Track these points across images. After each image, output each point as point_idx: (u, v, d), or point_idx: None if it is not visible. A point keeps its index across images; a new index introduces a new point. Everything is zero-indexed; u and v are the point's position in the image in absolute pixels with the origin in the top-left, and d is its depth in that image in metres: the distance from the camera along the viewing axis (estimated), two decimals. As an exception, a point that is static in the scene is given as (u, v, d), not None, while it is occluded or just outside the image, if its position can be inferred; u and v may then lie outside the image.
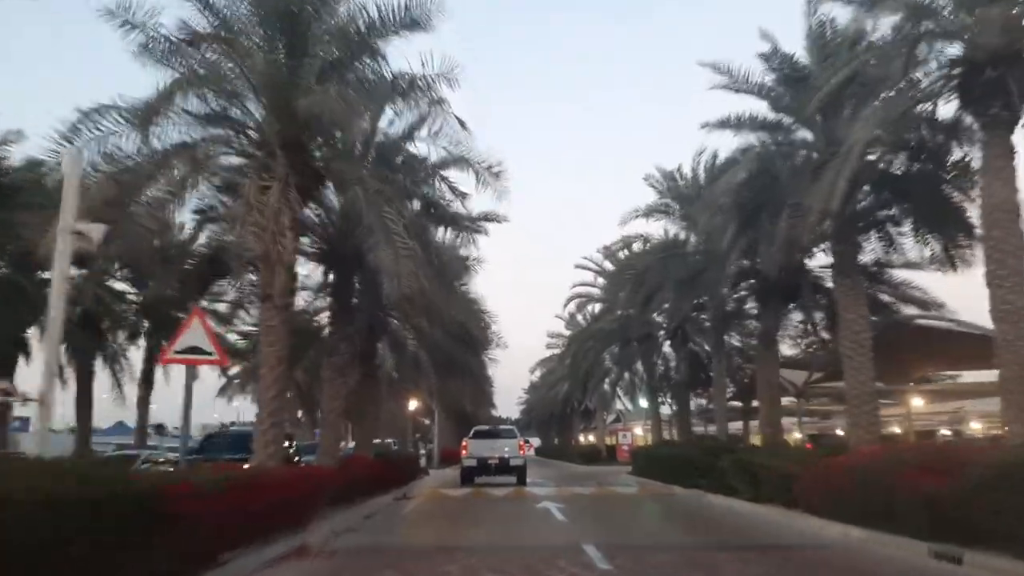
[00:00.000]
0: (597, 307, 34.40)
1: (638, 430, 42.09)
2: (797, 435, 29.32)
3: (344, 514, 12.12)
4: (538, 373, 52.93)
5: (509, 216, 16.88)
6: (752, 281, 18.93)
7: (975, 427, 32.81)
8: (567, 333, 41.73)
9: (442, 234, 16.74)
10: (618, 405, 41.87)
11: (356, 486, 14.40)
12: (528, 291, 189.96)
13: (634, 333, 26.69)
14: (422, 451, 39.88)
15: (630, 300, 23.73)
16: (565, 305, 38.04)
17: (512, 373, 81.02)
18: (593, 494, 18.77)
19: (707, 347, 24.96)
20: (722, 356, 22.44)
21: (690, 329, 25.08)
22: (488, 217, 16.83)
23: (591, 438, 54.95)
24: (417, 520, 13.74)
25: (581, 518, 12.75)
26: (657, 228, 23.61)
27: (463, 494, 18.72)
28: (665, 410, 33.31)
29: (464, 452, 22.44)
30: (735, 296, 20.26)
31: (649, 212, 22.14)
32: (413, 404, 34.85)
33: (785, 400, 22.50)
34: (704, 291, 19.97)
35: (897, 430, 28.83)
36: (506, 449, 22.03)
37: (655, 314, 24.49)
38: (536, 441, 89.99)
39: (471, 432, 23.73)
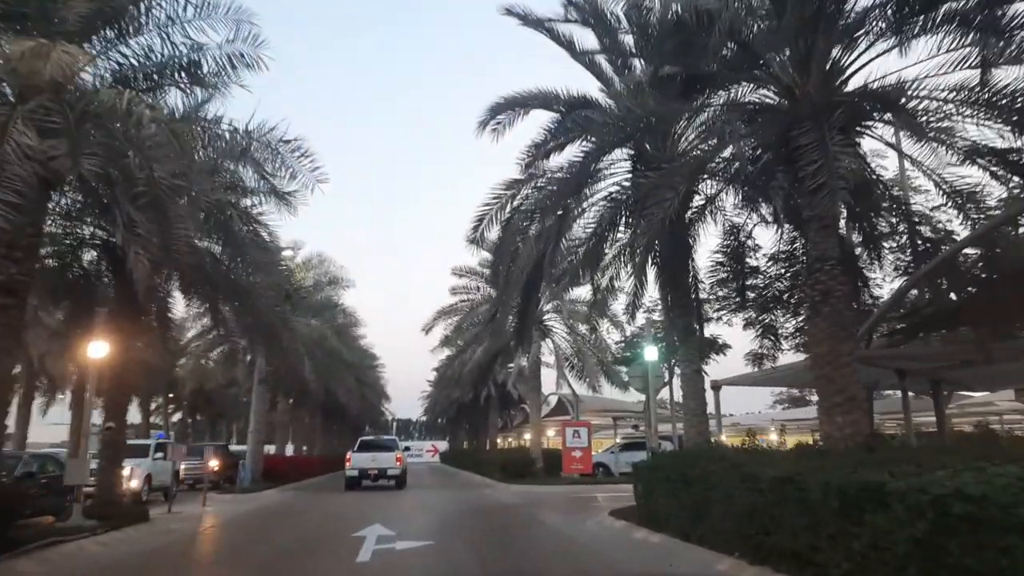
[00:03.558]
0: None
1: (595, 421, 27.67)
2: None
3: None
4: (444, 352, 37.55)
5: None
6: None
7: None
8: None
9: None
10: (560, 388, 27.25)
11: None
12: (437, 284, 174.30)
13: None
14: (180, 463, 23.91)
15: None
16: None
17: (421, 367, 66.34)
18: None
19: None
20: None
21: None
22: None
23: (526, 437, 40.16)
24: None
25: None
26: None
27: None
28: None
29: (348, 463, 23.98)
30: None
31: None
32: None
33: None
34: None
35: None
36: (385, 460, 23.56)
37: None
38: (443, 445, 74.61)
39: (356, 444, 25.61)
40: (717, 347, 26.08)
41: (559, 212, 11.74)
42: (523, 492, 21.67)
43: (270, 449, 40.37)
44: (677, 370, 15.17)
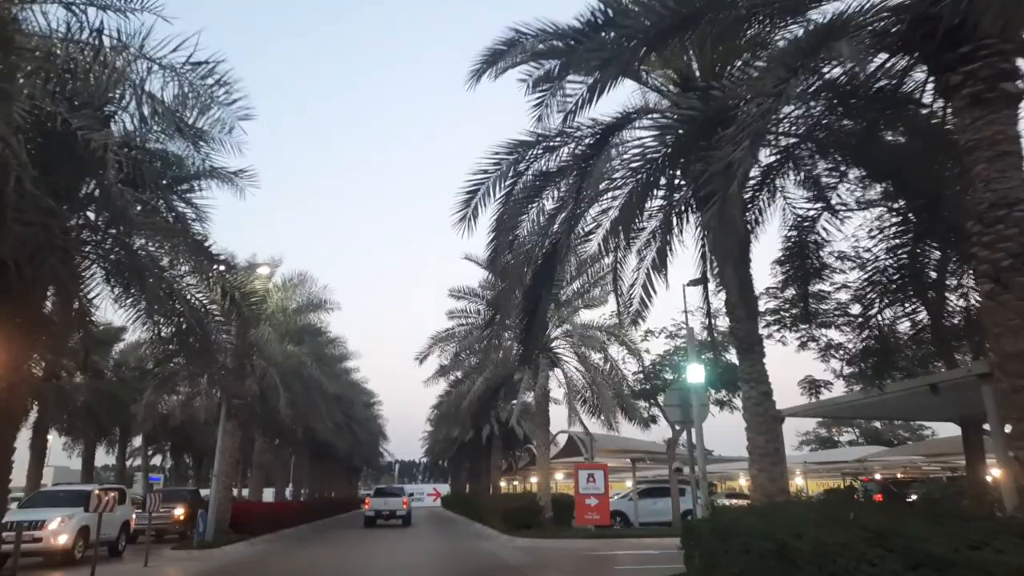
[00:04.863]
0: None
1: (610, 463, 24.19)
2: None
3: None
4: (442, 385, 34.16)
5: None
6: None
7: None
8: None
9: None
10: (572, 425, 23.92)
11: None
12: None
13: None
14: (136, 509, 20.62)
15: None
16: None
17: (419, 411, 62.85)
18: None
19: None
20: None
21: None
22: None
23: (532, 480, 36.65)
24: None
25: None
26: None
27: None
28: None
29: (367, 506, 31.72)
30: None
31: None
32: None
33: None
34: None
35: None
36: (395, 504, 31.15)
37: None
38: (444, 489, 70.67)
39: (373, 491, 34.19)
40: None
41: (583, 167, 8.71)
42: (529, 548, 18.27)
43: (268, 493, 36.99)
44: (718, 397, 11.97)
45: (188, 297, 11.65)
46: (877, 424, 44.99)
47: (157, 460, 49.81)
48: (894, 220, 10.82)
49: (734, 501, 43.24)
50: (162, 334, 11.89)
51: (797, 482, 36.98)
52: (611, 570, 14.10)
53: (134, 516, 20.58)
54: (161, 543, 21.66)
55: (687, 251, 11.34)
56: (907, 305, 10.74)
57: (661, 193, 9.27)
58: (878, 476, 41.19)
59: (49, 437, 29.65)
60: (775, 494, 8.48)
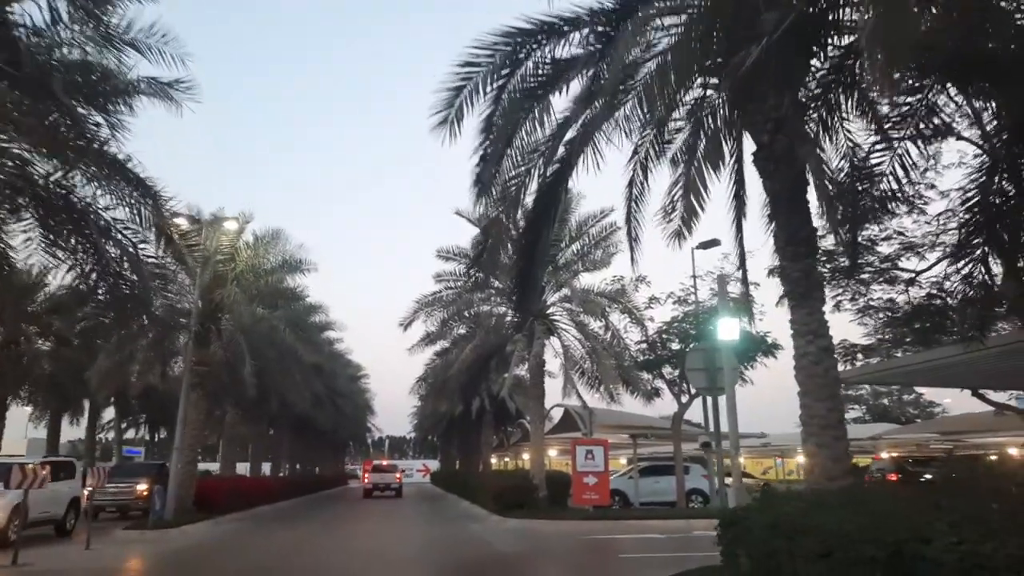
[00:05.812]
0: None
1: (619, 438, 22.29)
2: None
3: None
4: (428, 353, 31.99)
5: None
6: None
7: None
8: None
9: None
10: (568, 397, 22.03)
11: None
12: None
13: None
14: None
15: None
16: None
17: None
18: None
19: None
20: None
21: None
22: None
23: (524, 457, 35.03)
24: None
25: None
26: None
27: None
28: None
29: (366, 479, 37.47)
30: None
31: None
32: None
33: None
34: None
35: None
36: (389, 478, 37.18)
37: None
38: (434, 465, 69.21)
39: (371, 467, 39.07)
40: (766, 347, 21.12)
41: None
42: (521, 531, 16.50)
43: (244, 469, 35.04)
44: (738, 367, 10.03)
45: (112, 232, 9.62)
46: (885, 401, 43.49)
47: (132, 433, 47.96)
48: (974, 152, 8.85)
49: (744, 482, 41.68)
50: (90, 279, 9.89)
51: (800, 460, 35.49)
52: (614, 559, 12.32)
53: (85, 492, 18.67)
54: (125, 520, 19.86)
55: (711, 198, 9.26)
56: (986, 251, 8.78)
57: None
58: (884, 454, 39.80)
59: (9, 409, 27.67)
60: (839, 477, 6.60)
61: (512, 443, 43.49)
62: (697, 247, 23.18)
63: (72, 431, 36.40)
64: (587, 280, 22.61)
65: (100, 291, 9.69)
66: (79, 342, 29.89)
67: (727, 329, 8.53)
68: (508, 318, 23.34)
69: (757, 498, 6.79)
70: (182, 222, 19.35)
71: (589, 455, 18.79)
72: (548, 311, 22.45)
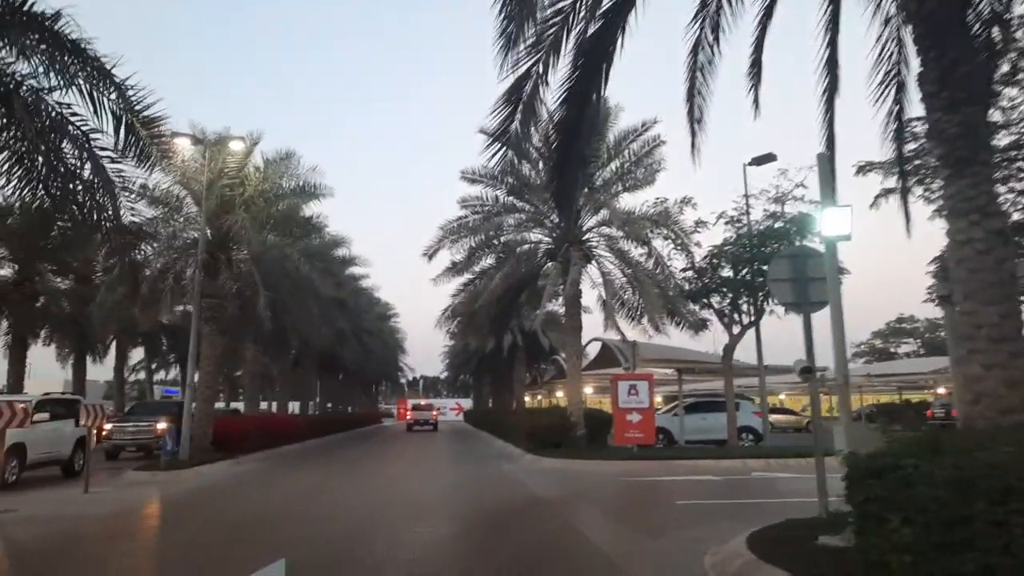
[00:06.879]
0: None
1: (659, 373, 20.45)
2: None
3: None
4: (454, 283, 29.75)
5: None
6: None
7: None
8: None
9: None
10: (607, 330, 20.20)
11: None
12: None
13: None
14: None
15: None
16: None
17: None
18: None
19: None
20: None
21: None
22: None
23: (558, 395, 33.62)
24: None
25: None
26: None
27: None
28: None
29: (408, 415, 46.04)
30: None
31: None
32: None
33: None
34: None
35: None
36: (427, 414, 43.57)
37: None
38: (467, 403, 68.84)
39: (411, 406, 48.20)
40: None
41: None
42: (559, 472, 15.01)
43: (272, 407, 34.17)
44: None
45: (60, 119, 7.83)
46: (942, 333, 40.87)
47: (163, 375, 47.92)
48: None
49: (777, 418, 39.92)
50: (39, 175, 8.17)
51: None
52: (671, 507, 10.66)
53: (102, 431, 17.74)
54: (148, 459, 18.98)
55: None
56: None
57: None
58: (942, 389, 37.40)
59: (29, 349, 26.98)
60: (1017, 408, 4.70)
61: (545, 381, 42.20)
62: (750, 163, 20.77)
63: (98, 371, 35.98)
64: (627, 201, 20.48)
65: (52, 191, 8.01)
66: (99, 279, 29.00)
67: (834, 222, 6.47)
68: (541, 245, 21.41)
69: (889, 439, 4.90)
70: (184, 141, 17.76)
71: (632, 390, 17.09)
72: (584, 237, 20.44)
